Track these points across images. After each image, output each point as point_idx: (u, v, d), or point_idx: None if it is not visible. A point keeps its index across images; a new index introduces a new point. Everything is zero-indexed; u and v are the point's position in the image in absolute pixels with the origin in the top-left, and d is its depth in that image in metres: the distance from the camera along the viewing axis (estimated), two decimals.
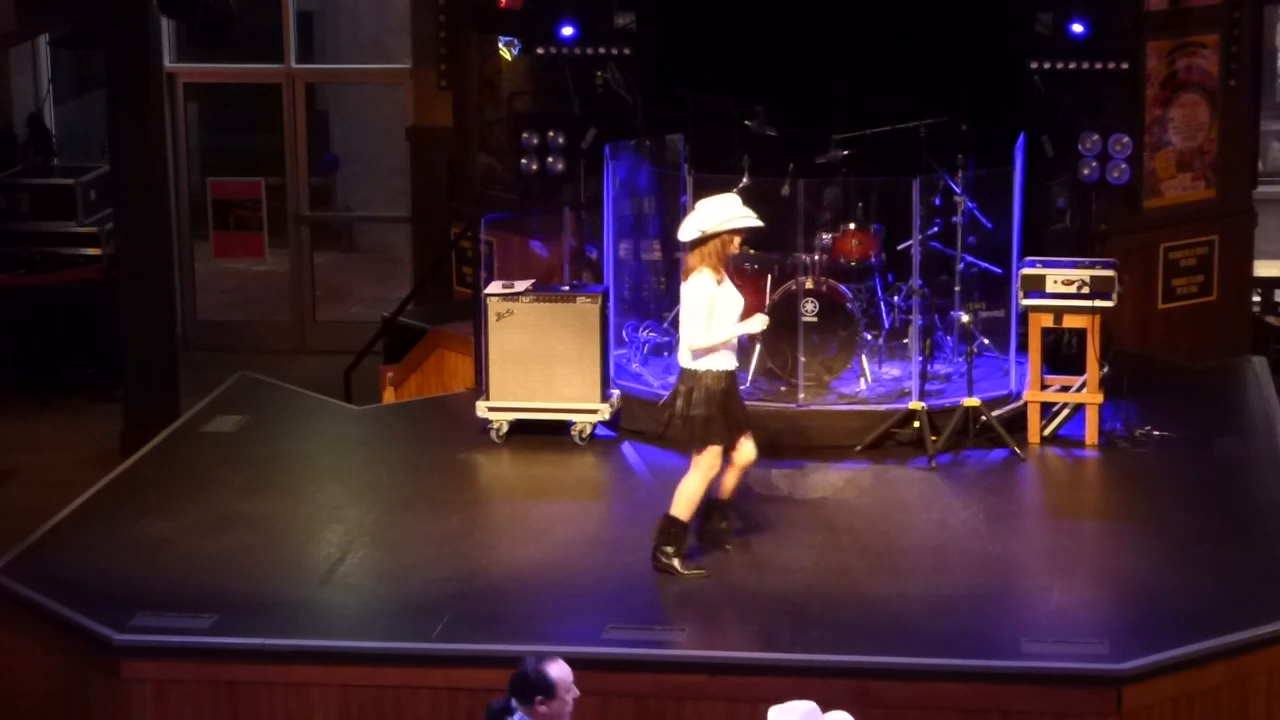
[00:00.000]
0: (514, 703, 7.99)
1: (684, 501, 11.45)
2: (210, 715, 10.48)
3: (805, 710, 7.72)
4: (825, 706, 8.22)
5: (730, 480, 11.68)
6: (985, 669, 10.15)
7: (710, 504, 11.66)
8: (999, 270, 14.06)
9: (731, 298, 11.35)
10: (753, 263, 13.84)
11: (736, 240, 11.35)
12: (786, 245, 13.87)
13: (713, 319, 11.24)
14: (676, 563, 11.40)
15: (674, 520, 11.45)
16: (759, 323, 11.46)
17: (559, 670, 8.00)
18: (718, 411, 11.33)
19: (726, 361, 11.36)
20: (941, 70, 14.66)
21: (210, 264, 20.27)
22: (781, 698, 10.09)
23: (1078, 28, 14.52)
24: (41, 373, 18.37)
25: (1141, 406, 13.92)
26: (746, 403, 12.63)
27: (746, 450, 11.58)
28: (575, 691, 8.03)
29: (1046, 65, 14.59)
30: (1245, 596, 10.87)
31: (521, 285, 13.80)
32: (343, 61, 21.25)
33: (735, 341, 11.42)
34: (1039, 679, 10.08)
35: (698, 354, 11.29)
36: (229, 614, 10.77)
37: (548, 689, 7.96)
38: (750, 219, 11.33)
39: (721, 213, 11.27)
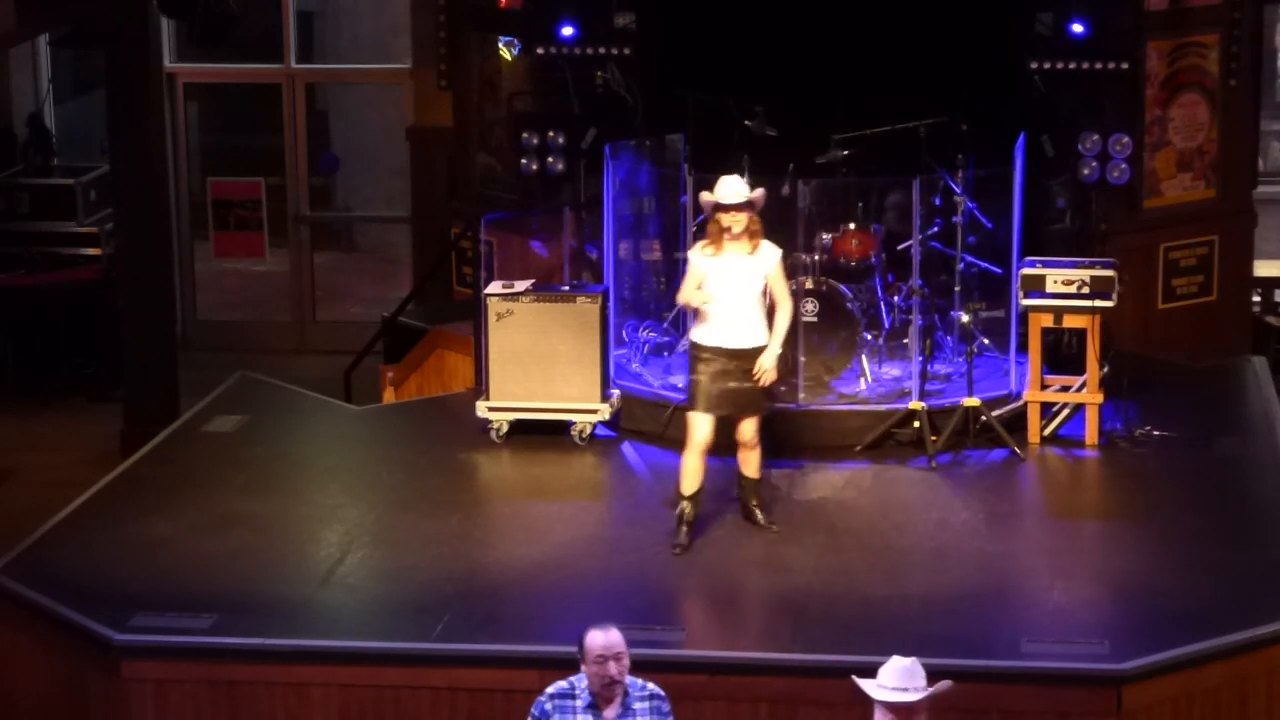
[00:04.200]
0: None
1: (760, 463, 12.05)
2: (210, 715, 10.48)
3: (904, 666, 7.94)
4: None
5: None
6: (985, 669, 10.14)
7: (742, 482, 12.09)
8: (999, 270, 14.06)
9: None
10: None
11: (720, 216, 11.64)
12: (786, 245, 13.86)
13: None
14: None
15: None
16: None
17: (592, 639, 8.29)
18: None
19: None
20: (941, 70, 14.65)
21: (210, 264, 20.27)
22: (781, 698, 10.14)
23: (1078, 28, 14.52)
24: (41, 373, 18.37)
25: (1141, 406, 13.92)
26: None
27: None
28: (607, 666, 8.24)
29: (1046, 65, 14.59)
30: (1245, 596, 10.87)
31: (521, 285, 13.80)
32: (343, 61, 21.23)
33: None
34: (1039, 679, 10.09)
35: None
36: (229, 614, 10.77)
37: (581, 652, 8.31)
38: (720, 196, 11.65)
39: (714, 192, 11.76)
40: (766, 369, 11.73)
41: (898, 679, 7.90)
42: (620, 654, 8.28)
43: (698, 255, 11.79)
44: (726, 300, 11.68)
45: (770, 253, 11.75)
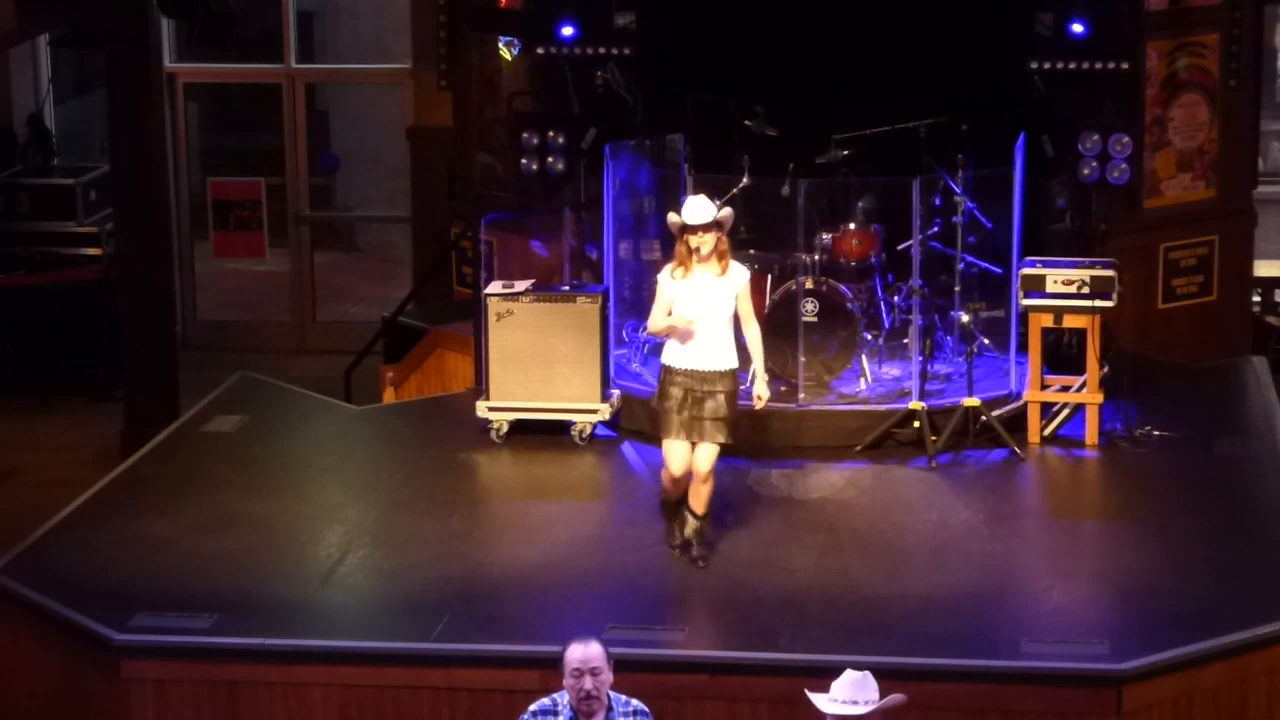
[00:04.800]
0: None
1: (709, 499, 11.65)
2: (210, 715, 10.49)
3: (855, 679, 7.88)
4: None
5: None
6: (985, 669, 10.15)
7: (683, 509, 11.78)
8: (999, 270, 14.06)
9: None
10: (753, 263, 13.82)
11: (688, 238, 11.40)
12: (786, 245, 13.88)
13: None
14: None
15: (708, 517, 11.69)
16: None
17: (571, 652, 8.18)
18: None
19: None
20: (941, 70, 14.66)
21: (210, 264, 20.27)
22: (781, 698, 10.15)
23: (1078, 28, 14.52)
24: (41, 373, 18.37)
25: (1141, 406, 13.92)
26: (746, 403, 12.67)
27: None
28: (582, 680, 8.13)
29: (1046, 65, 14.60)
30: (1245, 596, 10.87)
31: (521, 285, 13.81)
32: (343, 61, 21.25)
33: None
34: (1039, 679, 10.09)
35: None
36: (229, 614, 10.78)
37: (560, 664, 8.21)
38: (687, 217, 11.40)
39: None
40: (763, 398, 11.64)
41: (848, 692, 7.87)
42: (597, 669, 8.13)
43: (666, 278, 11.54)
44: (697, 322, 11.48)
45: (740, 273, 11.52)
